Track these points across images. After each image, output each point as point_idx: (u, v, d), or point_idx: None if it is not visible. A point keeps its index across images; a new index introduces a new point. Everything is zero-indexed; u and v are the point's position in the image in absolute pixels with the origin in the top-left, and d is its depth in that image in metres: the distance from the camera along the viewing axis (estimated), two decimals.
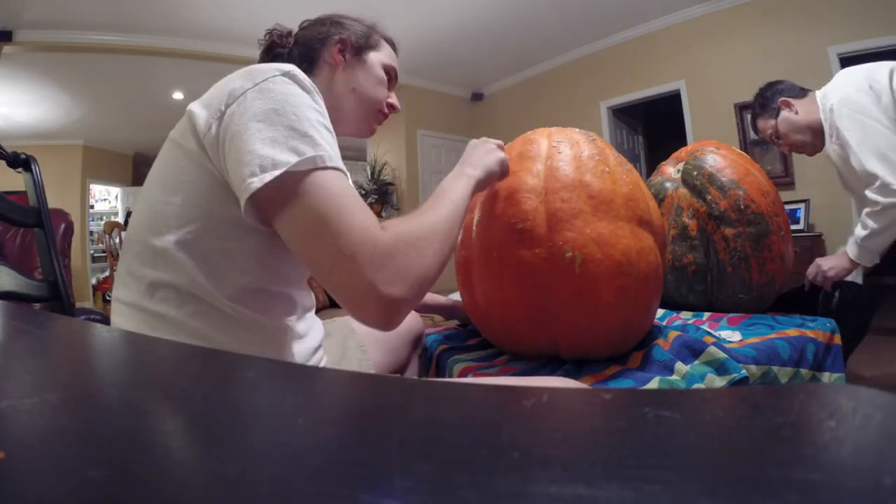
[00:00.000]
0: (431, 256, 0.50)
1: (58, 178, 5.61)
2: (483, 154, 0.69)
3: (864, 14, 2.82)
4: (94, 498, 0.11)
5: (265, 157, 0.45)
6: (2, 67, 3.50)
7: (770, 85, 1.38)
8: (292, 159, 0.45)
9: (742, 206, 1.01)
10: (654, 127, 5.00)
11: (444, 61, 4.52)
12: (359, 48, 0.71)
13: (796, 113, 1.32)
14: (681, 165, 1.14)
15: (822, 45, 2.94)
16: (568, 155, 0.74)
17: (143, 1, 3.12)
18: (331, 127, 0.52)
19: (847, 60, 2.88)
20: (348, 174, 0.52)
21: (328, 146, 0.49)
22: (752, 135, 3.31)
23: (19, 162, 0.77)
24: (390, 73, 0.74)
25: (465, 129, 5.37)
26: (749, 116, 1.47)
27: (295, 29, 0.74)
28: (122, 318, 0.53)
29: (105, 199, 6.83)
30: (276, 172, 0.45)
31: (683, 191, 1.11)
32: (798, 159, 3.14)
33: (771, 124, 1.36)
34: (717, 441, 0.13)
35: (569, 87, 4.50)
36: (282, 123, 0.47)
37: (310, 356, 0.64)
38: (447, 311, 1.03)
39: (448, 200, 0.57)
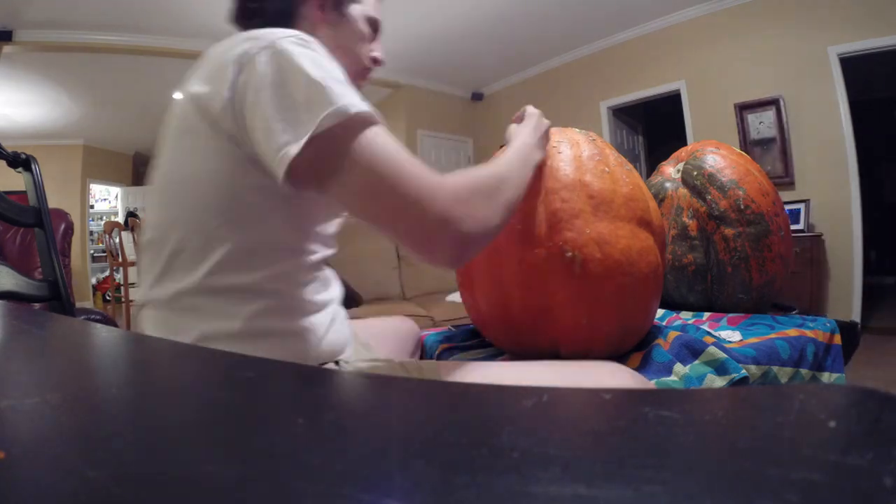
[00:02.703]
0: (504, 202, 0.51)
1: (58, 178, 5.61)
2: (544, 145, 0.71)
3: (864, 14, 2.81)
4: (94, 498, 0.11)
5: (292, 121, 0.44)
6: (2, 67, 3.50)
7: None
8: (316, 118, 0.43)
9: (742, 206, 1.01)
10: (654, 127, 5.00)
11: (444, 61, 4.52)
12: (339, 2, 0.66)
13: None
14: (681, 165, 1.14)
15: (822, 45, 2.94)
16: (568, 155, 0.74)
17: (143, 1, 3.11)
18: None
19: (847, 60, 2.88)
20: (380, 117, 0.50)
21: (352, 94, 0.47)
22: (752, 135, 3.31)
23: (19, 162, 0.77)
24: (374, 25, 0.70)
25: (465, 129, 5.37)
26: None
27: None
28: (155, 321, 0.52)
29: (105, 199, 6.83)
30: (308, 135, 0.43)
31: (683, 191, 1.11)
32: (798, 159, 3.14)
33: None
34: (717, 441, 0.13)
35: (569, 87, 4.50)
36: (302, 84, 0.45)
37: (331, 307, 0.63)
38: None
39: (513, 161, 0.59)
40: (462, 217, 0.45)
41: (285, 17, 0.65)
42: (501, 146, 0.80)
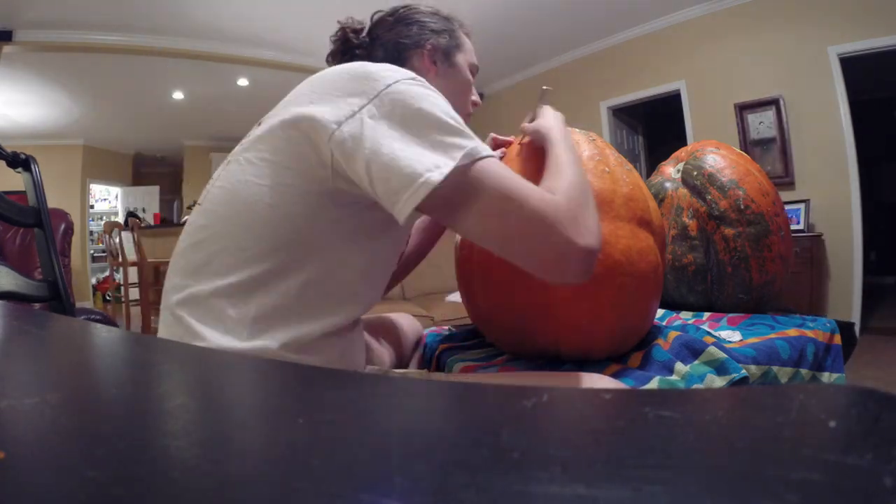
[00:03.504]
0: (593, 205, 0.53)
1: (58, 178, 5.60)
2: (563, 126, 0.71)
3: (864, 14, 2.81)
4: (94, 498, 0.11)
5: (419, 161, 0.45)
6: (2, 67, 3.50)
7: None
8: (450, 160, 0.45)
9: (742, 206, 1.01)
10: (654, 127, 4.99)
11: None
12: (448, 53, 0.68)
13: None
14: (681, 165, 1.14)
15: (822, 45, 2.94)
16: None
17: (143, 1, 3.11)
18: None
19: (847, 60, 2.88)
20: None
21: (473, 135, 0.49)
22: (752, 135, 3.31)
23: (19, 162, 0.77)
24: (473, 71, 0.72)
25: None
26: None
27: (367, 23, 0.70)
28: (183, 309, 0.52)
29: (105, 199, 6.83)
30: (451, 164, 0.45)
31: (683, 191, 1.11)
32: (798, 159, 3.14)
33: None
34: (717, 441, 0.13)
35: (569, 87, 4.50)
36: (427, 124, 0.47)
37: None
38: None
39: (578, 161, 0.59)
40: (583, 231, 0.48)
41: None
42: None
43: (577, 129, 0.82)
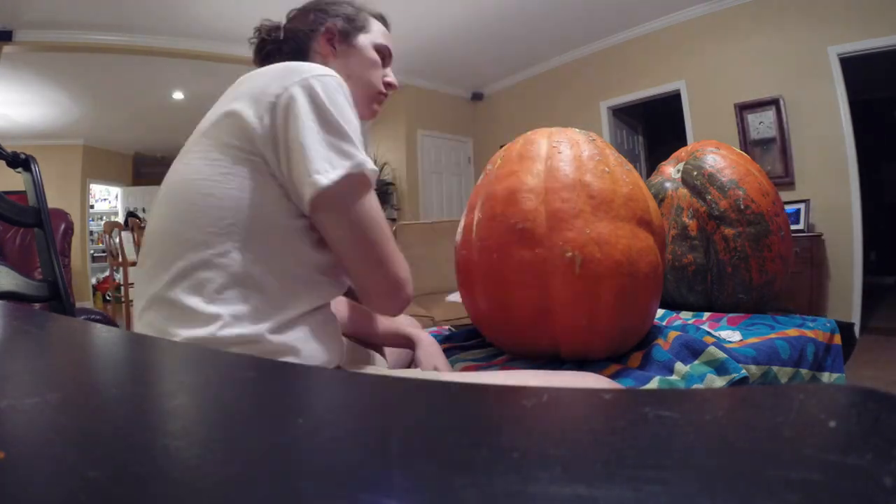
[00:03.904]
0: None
1: (58, 178, 5.60)
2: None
3: (864, 14, 2.81)
4: (94, 498, 0.11)
5: (323, 157, 0.51)
6: (2, 67, 3.50)
7: None
8: (347, 164, 0.52)
9: (742, 206, 1.01)
10: (654, 127, 4.99)
11: (444, 61, 4.51)
12: (346, 34, 0.70)
13: None
14: (681, 165, 1.14)
15: (822, 45, 2.94)
16: (568, 155, 0.74)
17: (143, 1, 3.11)
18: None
19: (847, 60, 2.88)
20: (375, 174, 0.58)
21: (363, 151, 0.55)
22: (752, 135, 3.31)
23: (19, 162, 0.77)
24: (383, 52, 0.73)
25: (465, 129, 5.37)
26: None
27: (283, 21, 0.74)
28: (151, 316, 0.53)
29: (105, 199, 6.83)
30: (338, 173, 0.51)
31: (683, 191, 1.11)
32: (798, 159, 3.14)
33: None
34: (717, 441, 0.13)
35: (569, 87, 4.50)
36: (335, 127, 0.52)
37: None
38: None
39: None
40: (408, 281, 0.58)
41: (300, 54, 0.70)
42: (502, 145, 0.80)
43: (577, 129, 0.82)
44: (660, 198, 1.14)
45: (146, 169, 7.40)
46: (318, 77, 0.54)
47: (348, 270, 0.57)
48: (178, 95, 4.83)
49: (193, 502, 0.11)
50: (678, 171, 1.14)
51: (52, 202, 0.90)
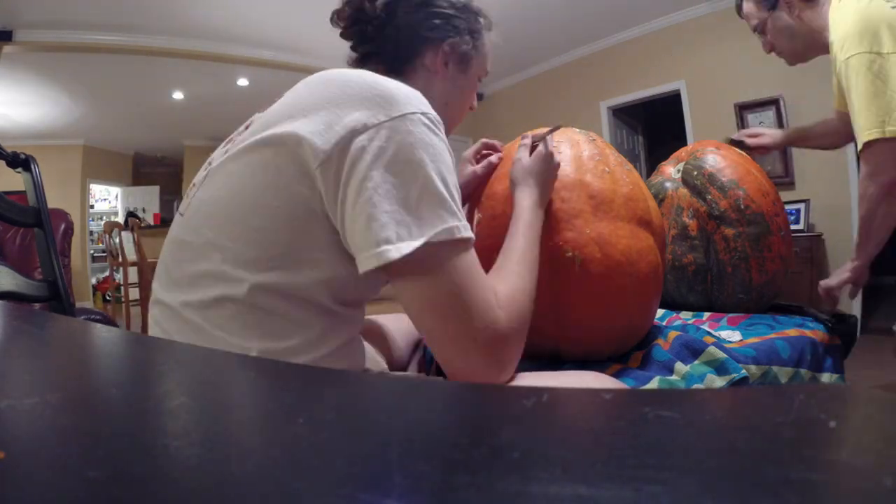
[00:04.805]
0: (528, 323, 0.52)
1: (58, 178, 5.60)
2: (552, 183, 0.67)
3: None
4: (94, 498, 0.11)
5: (400, 223, 0.42)
6: (2, 67, 3.50)
7: None
8: (428, 232, 0.43)
9: (742, 206, 1.01)
10: (654, 127, 4.99)
11: None
12: (466, 58, 0.62)
13: (797, 18, 1.10)
14: (681, 165, 1.14)
15: None
16: (568, 155, 0.74)
17: (143, 1, 3.11)
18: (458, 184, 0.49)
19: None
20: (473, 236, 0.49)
21: (461, 212, 0.47)
22: None
23: (19, 162, 0.77)
24: (481, 78, 0.68)
25: (465, 129, 5.36)
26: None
27: None
28: (170, 324, 0.51)
29: (105, 199, 6.83)
30: (413, 245, 0.42)
31: (683, 191, 1.11)
32: (798, 159, 3.14)
33: (760, 16, 1.16)
34: (717, 441, 0.13)
35: (569, 87, 4.50)
36: (421, 184, 0.44)
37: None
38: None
39: (534, 250, 0.57)
40: (498, 365, 0.47)
41: (402, 59, 0.60)
42: (501, 145, 0.79)
43: (577, 129, 0.82)
44: (660, 198, 1.14)
45: (146, 169, 7.41)
46: (411, 116, 0.45)
47: (427, 341, 0.48)
48: (178, 95, 4.83)
49: (193, 502, 0.11)
50: (678, 171, 1.14)
51: (52, 202, 0.90)
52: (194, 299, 0.48)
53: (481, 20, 0.65)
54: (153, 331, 0.54)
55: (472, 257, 0.47)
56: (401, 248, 0.42)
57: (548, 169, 0.66)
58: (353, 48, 0.63)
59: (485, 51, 0.65)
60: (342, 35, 0.63)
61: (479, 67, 0.65)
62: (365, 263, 0.43)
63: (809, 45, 1.14)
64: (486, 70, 0.67)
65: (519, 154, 0.68)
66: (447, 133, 0.65)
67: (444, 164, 0.46)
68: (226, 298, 0.46)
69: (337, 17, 0.63)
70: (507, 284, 0.51)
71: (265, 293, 0.46)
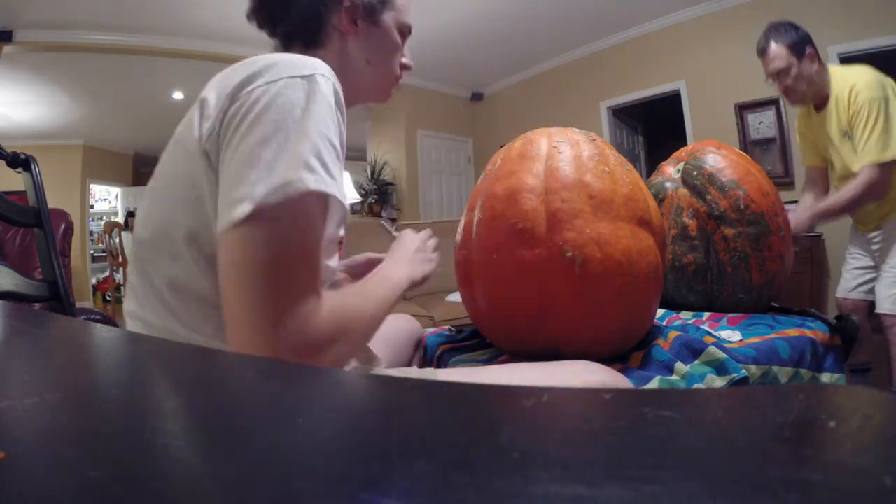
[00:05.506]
0: (347, 348, 0.47)
1: (58, 178, 5.60)
2: (423, 266, 0.68)
3: (864, 14, 2.81)
4: (94, 498, 0.11)
5: (247, 183, 0.41)
6: (2, 67, 3.50)
7: (802, 29, 1.48)
8: (266, 190, 0.41)
9: (742, 206, 1.01)
10: (654, 127, 5.00)
11: (444, 61, 4.52)
12: (372, 10, 0.62)
13: (815, 68, 1.45)
14: (681, 165, 1.14)
15: (823, 45, 2.92)
16: (568, 155, 0.74)
17: (143, 1, 3.12)
18: (337, 143, 0.47)
19: (847, 60, 2.88)
20: (343, 200, 0.47)
21: (327, 169, 0.44)
22: (752, 135, 3.31)
23: (19, 162, 0.77)
24: (405, 31, 0.66)
25: (465, 129, 5.37)
26: (766, 39, 1.50)
27: None
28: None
29: (105, 199, 6.83)
30: (248, 207, 0.40)
31: (683, 191, 1.11)
32: (798, 159, 3.14)
33: (789, 60, 1.43)
34: (717, 441, 0.13)
35: (569, 87, 4.50)
36: (278, 142, 0.43)
37: None
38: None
39: (387, 301, 0.55)
40: (297, 357, 0.41)
41: (311, 27, 0.61)
42: (501, 145, 0.79)
43: (577, 129, 0.82)
44: (660, 198, 1.14)
45: (146, 169, 7.40)
46: (298, 79, 0.46)
47: (225, 301, 0.43)
48: (178, 95, 4.83)
49: (193, 502, 0.11)
50: (678, 171, 1.14)
51: (52, 202, 0.90)
52: (151, 298, 0.50)
53: None
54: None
55: (312, 222, 0.44)
56: (242, 210, 0.40)
57: (419, 250, 0.69)
58: (270, 35, 0.65)
59: (396, 3, 0.65)
60: (258, 26, 0.65)
61: (394, 20, 0.64)
62: (219, 228, 0.42)
63: (814, 95, 1.49)
64: (406, 24, 0.66)
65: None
66: (386, 94, 0.68)
67: (310, 123, 0.44)
68: (172, 283, 0.48)
69: (249, 12, 0.65)
70: (342, 296, 0.49)
71: (177, 282, 0.48)
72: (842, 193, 1.40)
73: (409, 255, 0.67)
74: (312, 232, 0.44)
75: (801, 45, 1.44)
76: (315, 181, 0.42)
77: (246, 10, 0.65)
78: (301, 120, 0.44)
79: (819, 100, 1.49)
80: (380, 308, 0.53)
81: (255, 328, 0.40)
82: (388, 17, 0.64)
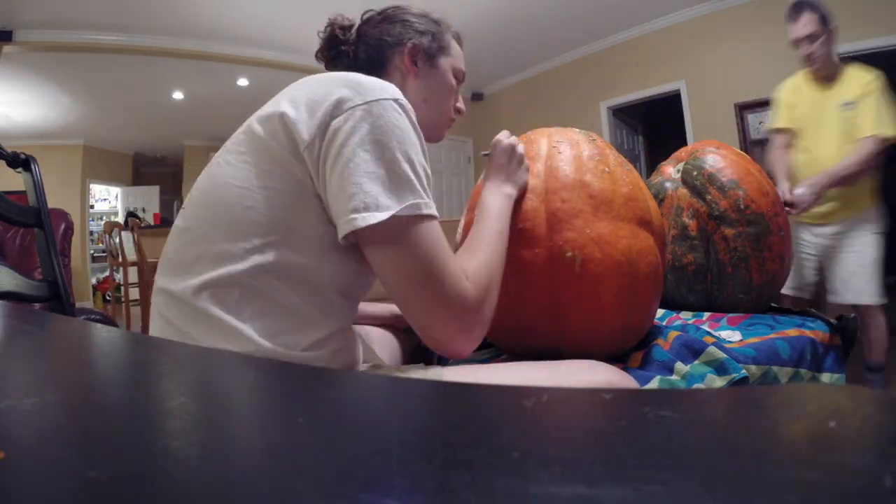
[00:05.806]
0: (496, 298, 0.56)
1: (58, 178, 5.61)
2: (521, 172, 0.70)
3: (864, 14, 2.81)
4: (94, 498, 0.11)
5: (370, 194, 0.47)
6: (2, 67, 3.51)
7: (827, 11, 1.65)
8: (395, 206, 0.47)
9: (742, 206, 1.01)
10: (654, 127, 5.00)
11: None
12: (431, 55, 0.67)
13: (834, 45, 1.68)
14: (681, 165, 1.14)
15: None
16: (568, 155, 0.74)
17: (143, 1, 3.12)
18: (428, 166, 0.53)
19: (847, 60, 2.88)
20: (437, 216, 0.53)
21: (426, 192, 0.51)
22: (752, 135, 3.31)
23: (19, 162, 0.77)
24: (458, 76, 0.71)
25: (465, 129, 5.37)
26: (799, 5, 1.71)
27: (357, 20, 0.70)
28: (169, 310, 0.52)
29: (105, 199, 6.83)
30: (381, 216, 0.46)
31: (683, 191, 1.11)
32: None
33: (820, 28, 1.62)
34: (717, 441, 0.13)
35: (569, 87, 4.50)
36: (390, 161, 0.48)
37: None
38: (385, 321, 0.94)
39: (500, 233, 0.61)
40: (475, 328, 0.52)
41: (376, 65, 0.66)
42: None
43: (578, 129, 0.82)
44: (660, 198, 1.14)
45: (146, 169, 7.41)
46: (382, 101, 0.50)
47: (401, 310, 0.52)
48: (178, 95, 4.83)
49: (193, 502, 0.11)
50: (678, 171, 1.14)
51: (52, 202, 0.90)
52: (194, 282, 0.50)
53: (441, 24, 0.71)
54: (154, 320, 0.56)
55: (438, 233, 0.51)
56: (368, 218, 0.46)
57: (509, 160, 0.70)
58: (331, 70, 0.69)
59: (452, 49, 0.71)
60: (327, 67, 0.70)
61: (450, 64, 0.70)
62: (341, 230, 0.48)
63: (832, 64, 1.69)
64: (461, 70, 0.72)
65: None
66: (440, 135, 0.71)
67: (410, 145, 0.51)
68: (223, 278, 0.49)
69: (319, 54, 0.70)
70: (474, 261, 0.55)
71: (262, 273, 0.49)
72: (850, 157, 1.51)
73: (504, 171, 0.69)
74: (437, 229, 0.51)
75: (830, 20, 1.62)
76: (425, 206, 0.50)
77: (316, 54, 0.71)
78: (402, 140, 0.50)
79: (828, 72, 1.68)
80: (499, 244, 0.60)
81: (446, 326, 0.50)
82: (444, 62, 0.69)
